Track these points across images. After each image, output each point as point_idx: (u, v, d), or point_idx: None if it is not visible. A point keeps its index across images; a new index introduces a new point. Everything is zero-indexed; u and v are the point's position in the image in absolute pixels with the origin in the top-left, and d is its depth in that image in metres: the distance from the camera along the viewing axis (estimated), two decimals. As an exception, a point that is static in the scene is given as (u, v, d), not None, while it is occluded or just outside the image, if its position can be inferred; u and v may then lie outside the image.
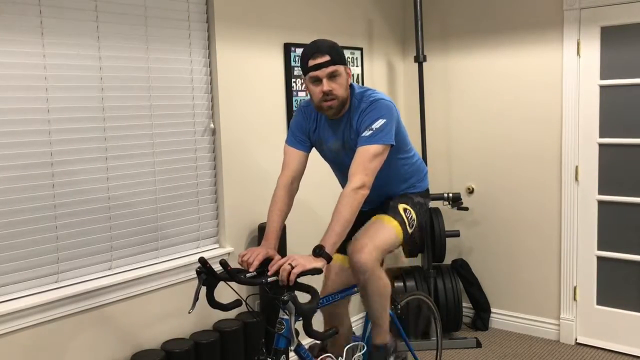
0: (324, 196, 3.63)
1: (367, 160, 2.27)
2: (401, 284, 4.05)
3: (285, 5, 3.50)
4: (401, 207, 2.52)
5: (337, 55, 2.33)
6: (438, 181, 4.39)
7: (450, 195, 4.06)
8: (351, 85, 2.46)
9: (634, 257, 3.71)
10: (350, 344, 2.67)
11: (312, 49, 2.34)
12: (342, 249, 2.38)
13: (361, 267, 2.32)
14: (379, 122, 2.31)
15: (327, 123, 2.50)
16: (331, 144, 2.51)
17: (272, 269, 2.11)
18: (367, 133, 2.31)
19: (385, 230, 2.43)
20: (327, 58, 2.30)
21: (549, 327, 4.04)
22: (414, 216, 2.55)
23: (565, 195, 3.88)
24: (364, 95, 2.42)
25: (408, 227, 2.51)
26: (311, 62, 2.32)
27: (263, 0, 3.36)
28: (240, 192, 3.28)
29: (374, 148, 2.28)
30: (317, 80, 2.34)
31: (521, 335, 4.12)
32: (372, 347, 2.57)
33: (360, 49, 4.05)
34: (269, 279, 2.10)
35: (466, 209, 4.10)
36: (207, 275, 2.18)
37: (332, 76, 2.32)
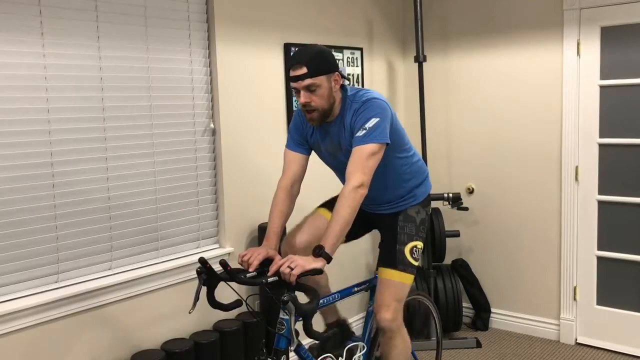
0: (324, 197, 3.62)
1: (363, 159, 2.27)
2: (401, 284, 4.05)
3: (285, 5, 3.50)
4: (407, 250, 2.54)
5: (316, 66, 2.29)
6: (438, 181, 4.39)
7: (450, 195, 4.06)
8: (343, 87, 2.45)
9: (634, 257, 3.70)
10: (350, 344, 2.67)
11: (292, 60, 2.34)
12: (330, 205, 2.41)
13: (388, 327, 2.47)
14: (373, 121, 2.31)
15: (322, 126, 2.50)
16: (327, 146, 2.52)
17: (272, 269, 2.11)
18: (361, 133, 2.30)
19: (402, 287, 2.52)
20: (304, 70, 2.28)
21: (549, 327, 4.04)
22: (421, 246, 2.59)
23: (565, 195, 3.88)
24: (357, 96, 2.42)
25: (416, 263, 2.57)
26: (291, 73, 2.32)
27: (263, 1, 3.36)
28: (240, 192, 3.28)
29: (369, 147, 2.28)
30: (297, 91, 2.35)
31: (521, 335, 4.12)
32: None
33: (360, 49, 4.05)
34: (269, 279, 2.10)
35: (466, 209, 4.10)
36: (207, 275, 2.18)
37: (309, 89, 2.31)
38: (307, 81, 2.29)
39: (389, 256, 2.55)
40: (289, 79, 2.39)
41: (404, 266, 2.52)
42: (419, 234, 2.59)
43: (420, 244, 2.58)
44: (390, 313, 2.45)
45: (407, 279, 2.53)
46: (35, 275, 2.49)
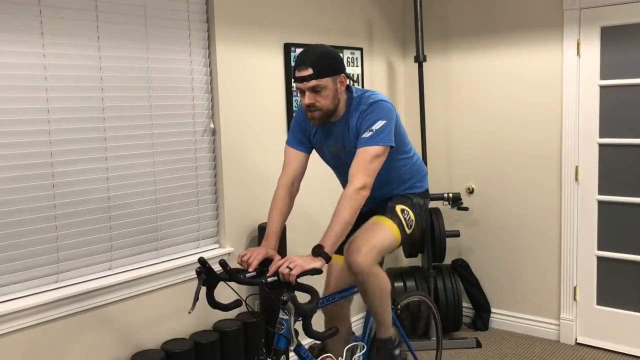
0: (324, 197, 3.63)
1: (367, 161, 2.27)
2: (401, 284, 4.05)
3: (285, 5, 3.50)
4: (399, 207, 2.52)
5: (322, 67, 2.28)
6: (438, 181, 4.39)
7: (450, 195, 4.06)
8: (349, 88, 2.45)
9: (634, 257, 3.70)
10: (350, 344, 2.67)
11: (298, 60, 2.32)
12: (342, 249, 2.38)
13: (358, 269, 2.31)
14: (379, 124, 2.31)
15: (325, 127, 2.50)
16: (331, 147, 2.51)
17: (271, 269, 2.11)
18: (367, 134, 2.30)
19: (382, 232, 2.42)
20: (309, 72, 2.27)
21: (549, 327, 4.04)
22: (412, 217, 2.54)
23: (565, 195, 3.88)
24: (363, 97, 2.42)
25: (406, 228, 2.50)
26: (296, 74, 2.31)
27: (263, 1, 3.37)
28: (240, 192, 3.28)
29: (374, 149, 2.28)
30: (302, 92, 2.34)
31: (521, 335, 4.12)
32: (377, 342, 2.56)
33: (360, 49, 4.05)
34: (269, 279, 2.10)
35: (466, 209, 4.10)
36: (206, 275, 2.18)
37: (314, 90, 2.30)
38: (312, 82, 2.29)
39: (378, 209, 2.52)
40: (293, 79, 2.38)
41: (392, 215, 2.47)
42: (412, 208, 2.56)
43: (412, 214, 2.53)
44: (361, 256, 2.29)
45: (392, 226, 2.44)
46: (35, 275, 2.49)
